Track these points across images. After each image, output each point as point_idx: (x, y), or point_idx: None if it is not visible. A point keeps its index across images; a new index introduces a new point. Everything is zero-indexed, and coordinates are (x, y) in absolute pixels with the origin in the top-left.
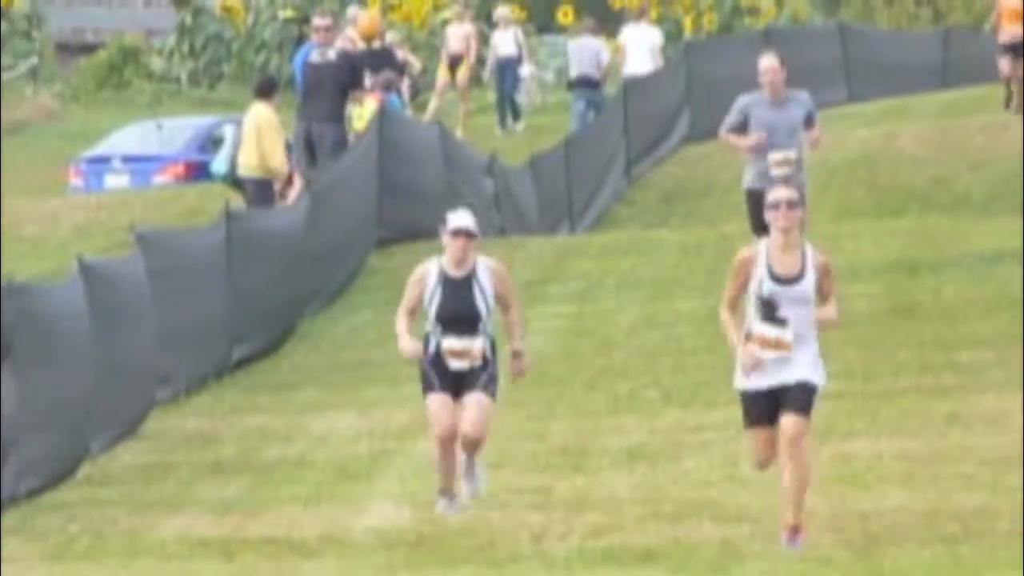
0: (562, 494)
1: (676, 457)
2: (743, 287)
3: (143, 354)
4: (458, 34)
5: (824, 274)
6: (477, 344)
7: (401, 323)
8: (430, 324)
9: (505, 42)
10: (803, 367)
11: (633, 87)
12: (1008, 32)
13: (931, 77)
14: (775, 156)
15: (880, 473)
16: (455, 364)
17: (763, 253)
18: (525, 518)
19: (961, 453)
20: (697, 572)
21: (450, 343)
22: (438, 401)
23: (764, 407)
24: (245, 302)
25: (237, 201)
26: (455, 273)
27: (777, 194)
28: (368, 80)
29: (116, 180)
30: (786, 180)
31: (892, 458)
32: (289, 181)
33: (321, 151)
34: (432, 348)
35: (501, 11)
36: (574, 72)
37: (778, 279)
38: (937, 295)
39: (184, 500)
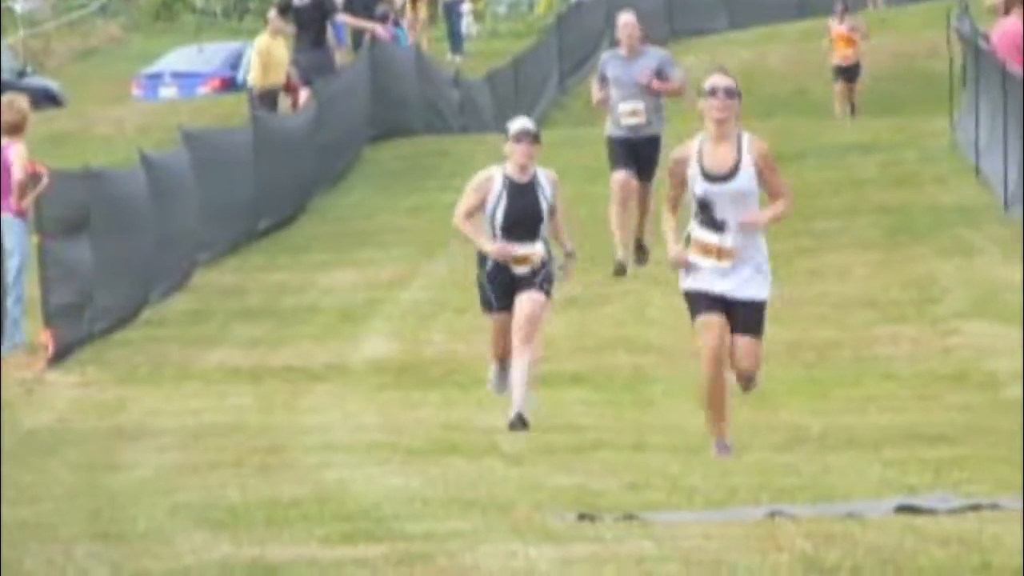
0: None
1: (600, 304)
2: (681, 187)
3: (189, 226)
4: None
5: (764, 164)
6: (538, 248)
7: (468, 226)
8: (490, 231)
9: None
10: (747, 281)
11: (565, 16)
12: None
13: (793, 9)
14: (624, 107)
15: None
16: (520, 270)
17: (695, 150)
18: (485, 351)
19: (817, 298)
20: (613, 391)
21: (513, 250)
22: (499, 323)
23: (711, 301)
24: (268, 185)
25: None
26: (520, 178)
27: (714, 80)
28: (343, 16)
29: (168, 91)
30: (634, 130)
31: None
32: (297, 92)
33: (311, 69)
34: (492, 260)
35: None
36: None
37: (711, 176)
38: (800, 178)
39: (221, 338)
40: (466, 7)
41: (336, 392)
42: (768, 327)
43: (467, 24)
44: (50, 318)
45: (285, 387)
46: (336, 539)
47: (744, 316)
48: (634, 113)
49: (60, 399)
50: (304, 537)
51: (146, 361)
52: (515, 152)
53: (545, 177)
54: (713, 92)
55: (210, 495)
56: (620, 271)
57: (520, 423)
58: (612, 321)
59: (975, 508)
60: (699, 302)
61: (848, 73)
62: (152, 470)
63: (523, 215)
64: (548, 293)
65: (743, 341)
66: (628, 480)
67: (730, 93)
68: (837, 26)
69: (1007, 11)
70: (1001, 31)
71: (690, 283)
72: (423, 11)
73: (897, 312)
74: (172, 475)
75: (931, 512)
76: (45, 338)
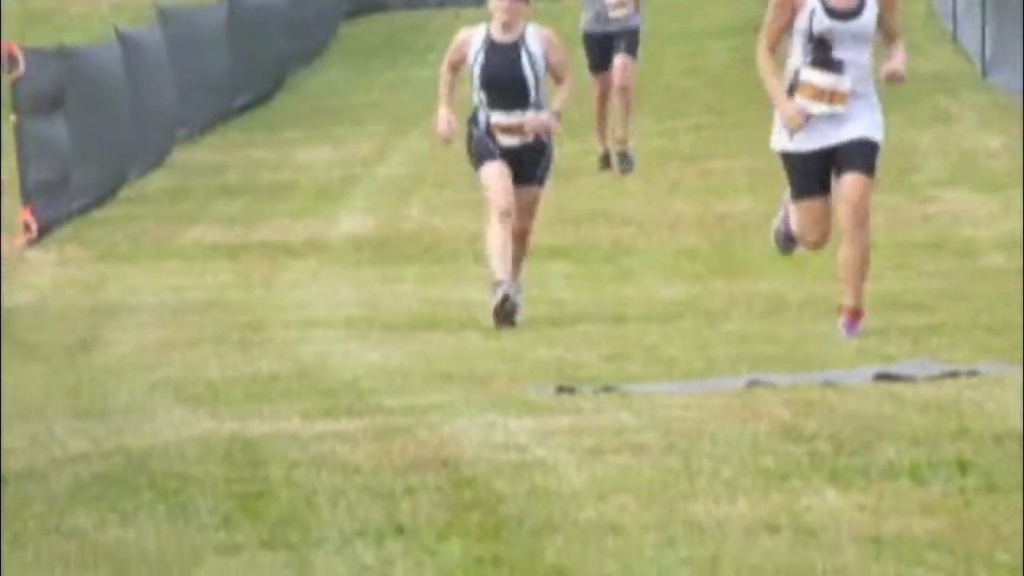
0: None
1: (578, 176)
2: (788, 18)
3: (165, 103)
4: None
5: (886, 3)
6: (529, 117)
7: (444, 81)
8: (476, 94)
9: None
10: (862, 123)
11: None
12: None
13: None
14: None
15: (733, 185)
16: (506, 141)
17: None
18: (463, 225)
19: None
20: (593, 263)
21: (498, 118)
22: (495, 170)
23: (815, 173)
24: (243, 62)
25: None
26: (502, 38)
27: None
28: None
29: None
30: (620, 23)
31: (742, 174)
32: None
33: None
34: (482, 123)
35: None
36: None
37: (835, 12)
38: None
39: (200, 215)
40: None
41: (315, 268)
42: (745, 197)
43: None
44: (29, 196)
45: (264, 263)
46: (316, 414)
47: (856, 153)
48: (621, 4)
49: (40, 277)
50: (284, 412)
51: (125, 239)
52: (498, 9)
53: (536, 37)
54: None
55: (190, 371)
56: (605, 163)
57: (508, 307)
58: (590, 194)
59: (953, 375)
60: (804, 173)
61: None
62: (132, 347)
63: (502, 78)
64: (542, 181)
65: (852, 179)
66: (607, 352)
67: None
68: None
69: None
70: None
71: (795, 143)
72: None
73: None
74: (152, 352)
75: (909, 379)
76: (25, 216)
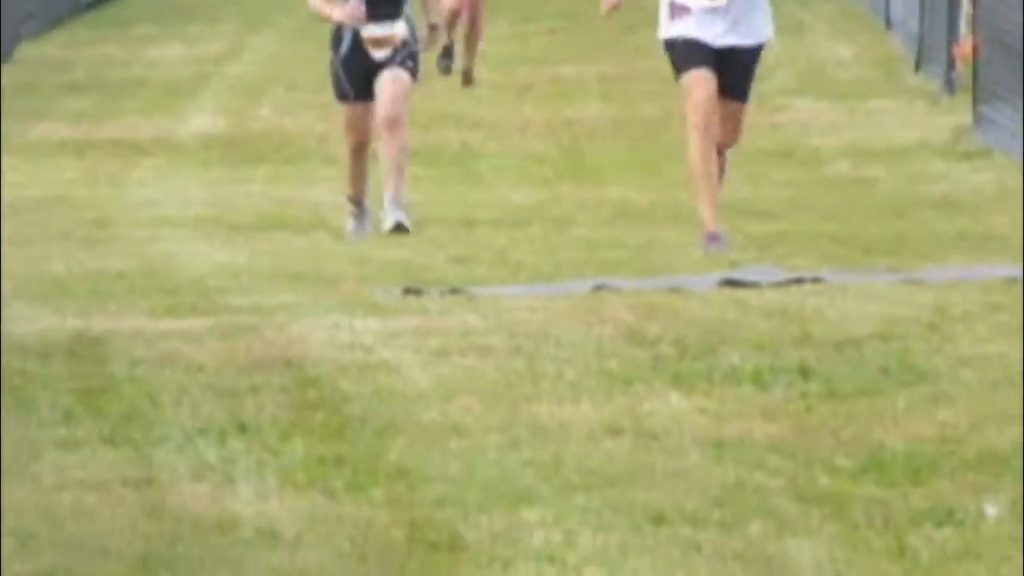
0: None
1: (427, 80)
2: None
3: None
4: None
5: None
6: (399, 29)
7: (319, 3)
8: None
9: None
10: (748, 23)
11: None
12: None
13: None
14: None
15: (583, 90)
16: (378, 55)
17: None
18: (312, 126)
19: (644, 75)
20: (442, 166)
21: (370, 30)
22: (356, 110)
23: (703, 53)
24: None
25: None
26: None
27: None
28: None
29: None
30: None
31: (593, 79)
32: None
33: None
34: (347, 43)
35: None
36: None
37: None
38: None
39: (47, 112)
40: None
41: (163, 167)
42: (595, 103)
43: None
44: None
45: (112, 161)
46: (161, 312)
47: (734, 72)
48: None
49: None
50: (130, 310)
51: None
52: None
53: None
54: None
55: (34, 267)
56: (467, 81)
57: (400, 230)
58: (440, 97)
59: (798, 281)
60: (688, 54)
61: None
62: None
63: None
64: (413, 72)
65: (728, 107)
66: (455, 254)
67: None
68: None
69: None
70: None
71: (678, 29)
72: None
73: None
74: None
75: (754, 285)
76: None
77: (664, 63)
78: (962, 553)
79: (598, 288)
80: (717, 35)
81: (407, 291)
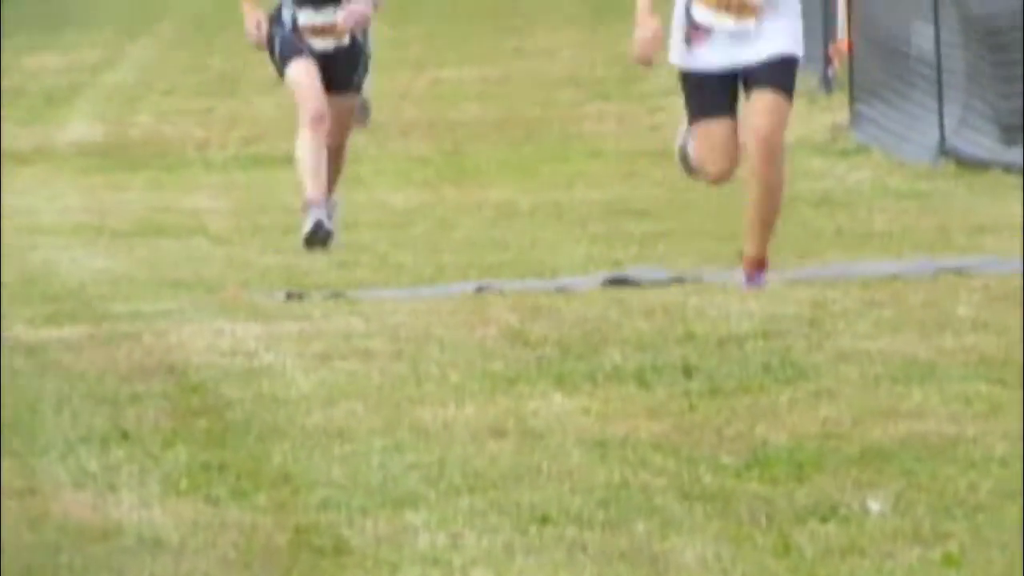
0: (221, 114)
1: None
2: None
3: None
4: None
5: None
6: (341, 17)
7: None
8: None
9: None
10: (775, 36)
11: None
12: None
13: None
14: None
15: (464, 93)
16: (318, 44)
17: None
18: (191, 132)
19: (524, 77)
20: None
21: (308, 16)
22: (302, 68)
23: (718, 91)
24: None
25: None
26: None
27: None
28: None
29: None
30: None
31: (473, 82)
32: None
33: None
34: (287, 23)
35: None
36: None
37: None
38: None
39: None
40: None
41: (42, 175)
42: (476, 105)
43: None
44: None
45: None
46: (41, 321)
47: (769, 70)
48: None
49: None
50: (8, 318)
51: None
52: None
53: None
54: None
55: None
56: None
57: (322, 235)
58: None
59: (679, 281)
60: (703, 93)
61: None
62: None
63: None
64: (359, 88)
65: (764, 96)
66: (337, 259)
67: None
68: None
69: None
70: None
71: (692, 59)
72: None
73: (603, 90)
74: None
75: (636, 284)
76: None
77: (542, 64)
78: (846, 549)
79: (481, 290)
80: (740, 58)
81: (289, 296)
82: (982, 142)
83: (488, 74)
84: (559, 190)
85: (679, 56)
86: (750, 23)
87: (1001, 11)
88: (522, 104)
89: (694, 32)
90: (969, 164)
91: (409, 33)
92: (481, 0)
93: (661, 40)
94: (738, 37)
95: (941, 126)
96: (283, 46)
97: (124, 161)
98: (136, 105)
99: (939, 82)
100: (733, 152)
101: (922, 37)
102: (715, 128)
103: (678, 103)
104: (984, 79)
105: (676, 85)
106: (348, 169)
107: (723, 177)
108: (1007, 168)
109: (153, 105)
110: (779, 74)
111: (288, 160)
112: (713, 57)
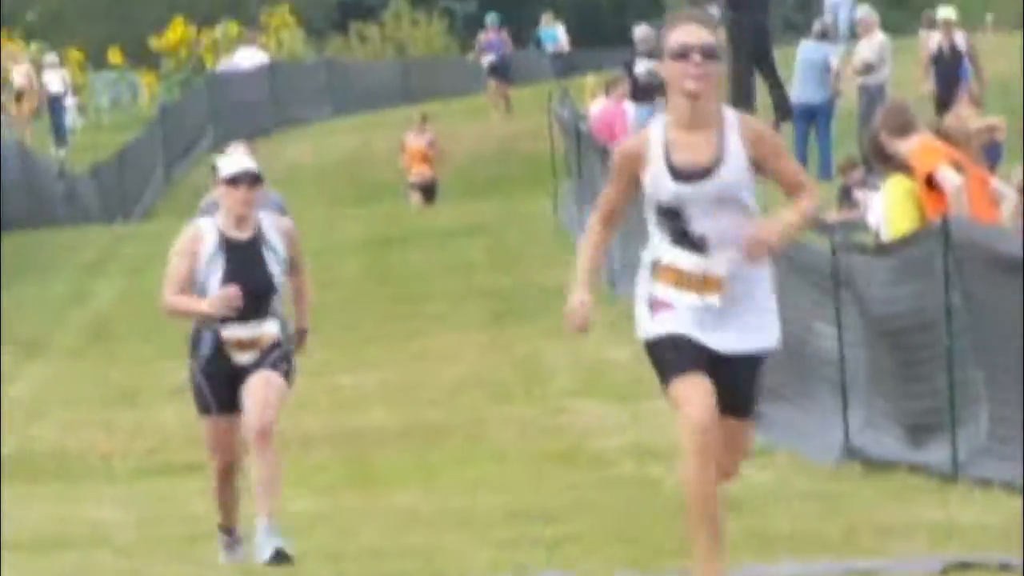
0: (123, 424)
1: None
2: (627, 190)
3: None
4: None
5: (765, 148)
6: (268, 328)
7: (180, 302)
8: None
9: (54, 81)
10: (748, 326)
11: (169, 108)
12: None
13: (397, 95)
14: None
15: (365, 399)
16: (242, 359)
17: (657, 136)
18: (94, 443)
19: (427, 381)
20: None
21: (234, 331)
22: (219, 427)
23: (694, 352)
24: None
25: None
26: (239, 234)
27: (684, 36)
28: None
29: None
30: None
31: (374, 387)
32: None
33: None
34: (208, 346)
35: (51, 58)
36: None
37: (680, 172)
38: (406, 263)
39: None
40: (70, 101)
41: None
42: (380, 412)
43: (71, 118)
44: None
45: None
46: None
47: (735, 384)
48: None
49: None
50: None
51: None
52: (229, 199)
53: (275, 230)
54: (684, 53)
55: None
56: None
57: (282, 558)
58: None
59: None
60: (676, 353)
61: (426, 191)
62: None
63: (247, 284)
64: (286, 374)
65: (733, 425)
66: (238, 566)
67: (709, 53)
68: (413, 140)
69: (607, 92)
70: (597, 112)
71: (660, 326)
72: (27, 106)
73: (506, 393)
74: None
75: None
76: None
77: (445, 368)
78: None
79: None
80: (711, 334)
81: None
82: (887, 442)
83: (390, 379)
84: (462, 495)
85: (645, 329)
86: (715, 299)
87: (903, 311)
88: (425, 409)
89: (657, 306)
90: (875, 464)
91: (309, 341)
92: (382, 304)
93: (588, 309)
94: (706, 316)
95: (845, 427)
96: (199, 394)
97: (28, 473)
98: (38, 419)
99: (843, 383)
100: (714, 410)
101: (824, 338)
102: (696, 382)
103: (581, 405)
104: (888, 379)
105: (577, 387)
106: (243, 481)
107: (707, 428)
108: (912, 468)
109: (56, 418)
110: (749, 392)
111: (192, 468)
112: (682, 326)
